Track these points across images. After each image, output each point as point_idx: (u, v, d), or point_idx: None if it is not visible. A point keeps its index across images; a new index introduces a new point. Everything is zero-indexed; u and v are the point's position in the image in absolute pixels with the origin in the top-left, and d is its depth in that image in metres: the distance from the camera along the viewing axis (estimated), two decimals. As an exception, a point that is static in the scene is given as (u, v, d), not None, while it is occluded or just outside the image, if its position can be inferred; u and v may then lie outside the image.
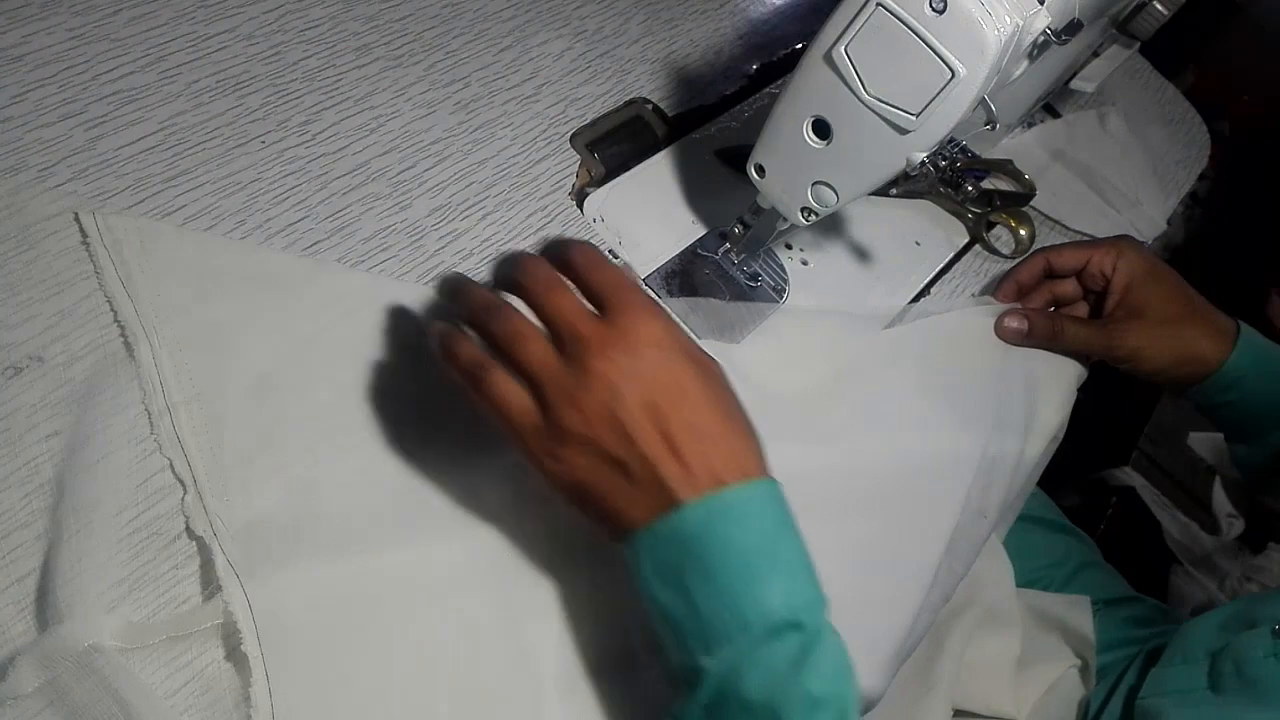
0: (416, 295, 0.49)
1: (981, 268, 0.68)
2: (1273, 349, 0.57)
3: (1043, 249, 0.61)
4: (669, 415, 0.35)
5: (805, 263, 0.61)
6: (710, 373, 0.37)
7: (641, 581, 0.36)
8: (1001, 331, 0.59)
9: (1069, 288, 0.62)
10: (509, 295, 0.38)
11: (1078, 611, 0.62)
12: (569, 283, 0.37)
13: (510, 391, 0.36)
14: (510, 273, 0.37)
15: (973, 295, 0.64)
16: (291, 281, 0.46)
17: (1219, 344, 0.56)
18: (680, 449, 0.35)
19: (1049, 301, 0.62)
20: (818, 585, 0.36)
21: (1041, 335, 0.58)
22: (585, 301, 0.37)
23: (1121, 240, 0.59)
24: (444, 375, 0.38)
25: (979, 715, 0.61)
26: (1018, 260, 0.65)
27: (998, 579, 0.62)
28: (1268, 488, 0.59)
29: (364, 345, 0.46)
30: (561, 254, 0.37)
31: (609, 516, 0.36)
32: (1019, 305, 0.60)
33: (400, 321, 0.47)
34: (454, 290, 0.39)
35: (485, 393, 0.36)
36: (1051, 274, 0.61)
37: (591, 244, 0.38)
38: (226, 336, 0.43)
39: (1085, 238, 0.73)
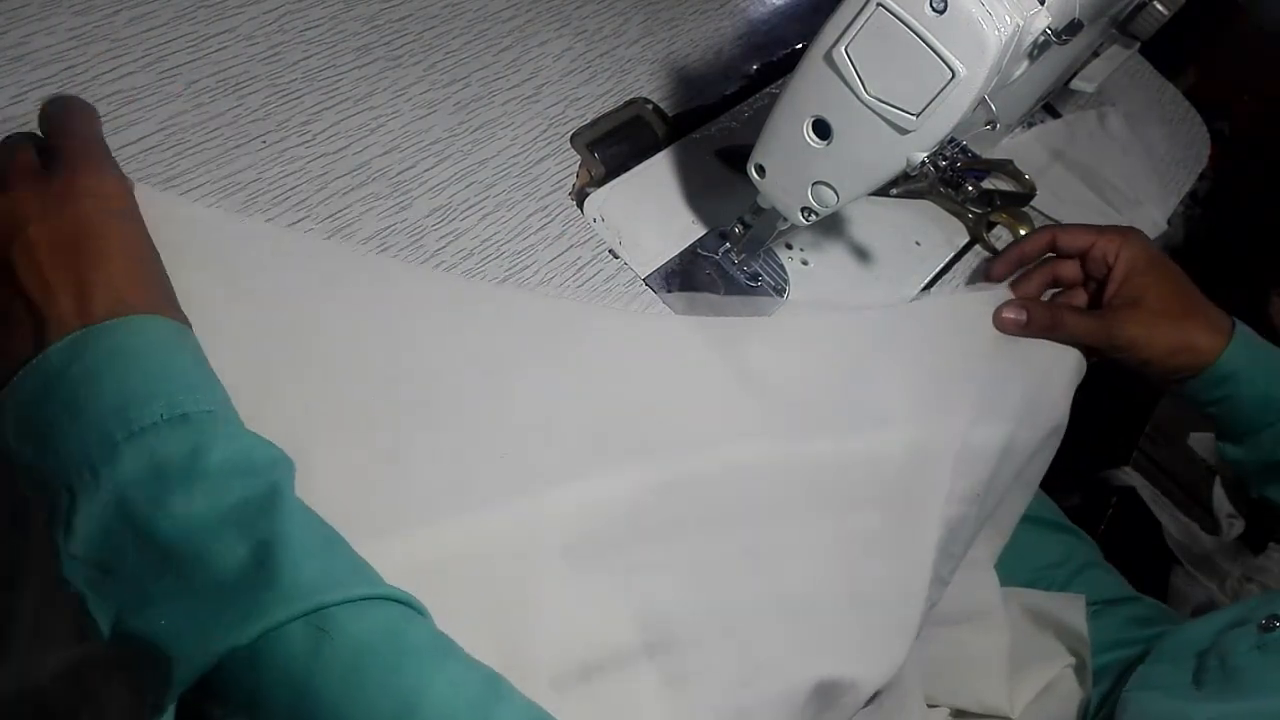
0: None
1: (982, 267, 0.68)
2: (1267, 347, 0.57)
3: (1050, 226, 0.61)
4: (76, 264, 0.33)
5: (805, 263, 0.61)
6: (136, 233, 0.36)
7: (7, 453, 0.31)
8: (1000, 322, 0.58)
9: (1072, 270, 0.61)
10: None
11: (1072, 610, 0.62)
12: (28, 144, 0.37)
13: None
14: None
15: (965, 285, 0.64)
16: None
17: (1215, 338, 0.56)
18: (72, 296, 0.32)
19: (1048, 281, 0.62)
20: (214, 391, 0.33)
21: (1040, 325, 0.58)
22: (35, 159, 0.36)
23: (1129, 230, 0.59)
24: None
25: (974, 715, 0.61)
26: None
27: (981, 580, 0.62)
28: (1263, 486, 0.59)
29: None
30: (51, 111, 0.39)
31: None
32: (1014, 297, 0.60)
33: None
34: None
35: None
36: (1055, 252, 0.61)
37: (81, 105, 0.39)
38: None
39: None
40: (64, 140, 0.37)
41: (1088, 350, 0.60)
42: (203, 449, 0.30)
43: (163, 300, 0.35)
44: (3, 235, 0.33)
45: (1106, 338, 0.57)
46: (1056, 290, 0.63)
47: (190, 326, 0.35)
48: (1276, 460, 0.56)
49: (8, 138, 0.38)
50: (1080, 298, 0.62)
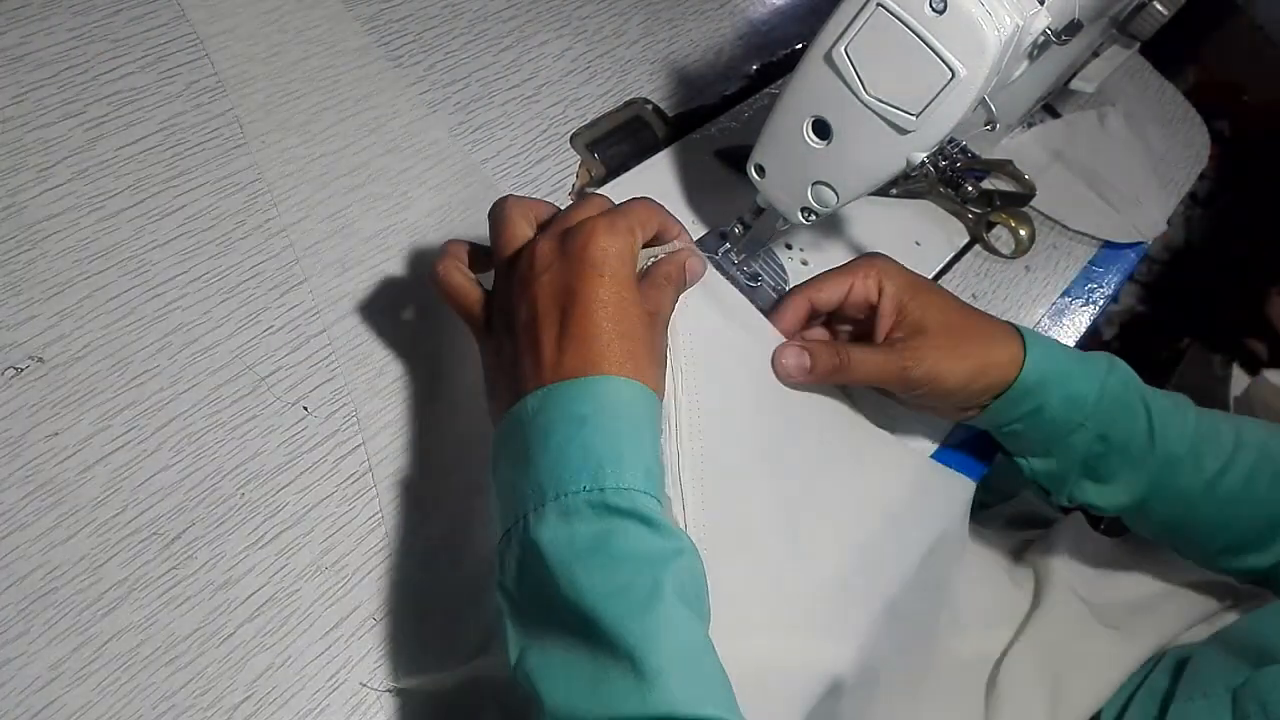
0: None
1: (982, 268, 0.68)
2: (1056, 344, 0.51)
3: (797, 287, 0.52)
4: (561, 316, 0.37)
5: (805, 263, 0.61)
6: (626, 295, 0.39)
7: (493, 466, 0.38)
8: (781, 370, 0.50)
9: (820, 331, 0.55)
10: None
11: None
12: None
13: (461, 281, 0.42)
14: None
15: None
16: None
17: (1009, 349, 0.49)
18: (551, 347, 0.37)
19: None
20: (649, 472, 0.36)
21: (826, 369, 0.49)
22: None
23: (876, 258, 0.52)
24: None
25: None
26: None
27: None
28: (1075, 490, 0.53)
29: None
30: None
31: (491, 407, 0.40)
32: (794, 338, 0.52)
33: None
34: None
35: (439, 279, 0.42)
36: (815, 314, 0.53)
37: (604, 197, 0.43)
38: None
39: (1086, 237, 0.73)
40: (590, 206, 0.41)
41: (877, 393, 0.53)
42: (610, 532, 0.33)
43: (627, 364, 0.37)
44: (527, 270, 0.38)
45: (900, 372, 0.48)
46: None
47: (657, 389, 0.39)
48: (1089, 460, 0.52)
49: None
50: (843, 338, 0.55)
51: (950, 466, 0.56)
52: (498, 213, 0.42)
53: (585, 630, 0.32)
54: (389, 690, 0.40)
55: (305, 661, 0.40)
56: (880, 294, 0.51)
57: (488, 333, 0.41)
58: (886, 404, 0.54)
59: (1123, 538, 0.69)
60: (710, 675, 0.33)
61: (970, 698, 0.59)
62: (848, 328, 0.55)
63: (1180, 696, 0.53)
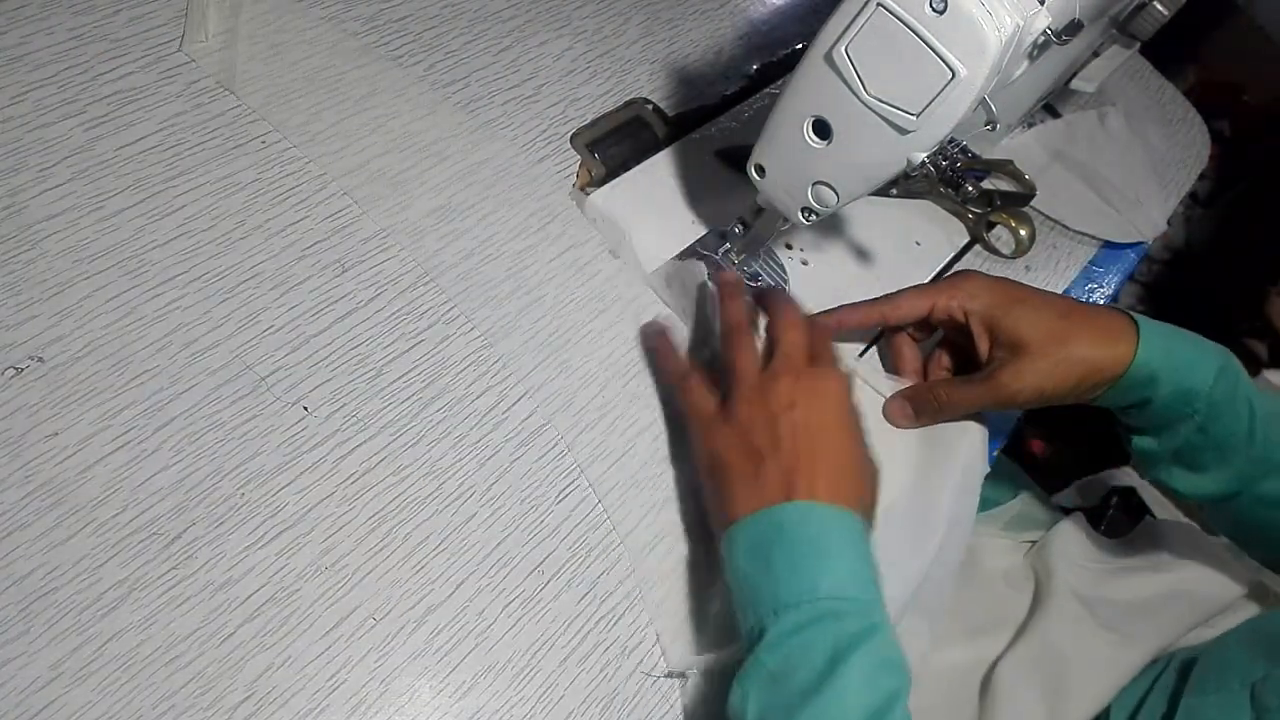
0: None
1: (981, 268, 0.68)
2: (1175, 334, 0.51)
3: (876, 299, 0.54)
4: (812, 443, 0.44)
5: (805, 263, 0.61)
6: (856, 433, 0.46)
7: (732, 560, 0.43)
8: (892, 419, 0.54)
9: (910, 350, 0.56)
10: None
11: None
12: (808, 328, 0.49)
13: (700, 392, 0.48)
14: (773, 298, 0.51)
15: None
16: None
17: (1116, 346, 0.49)
18: (805, 468, 0.43)
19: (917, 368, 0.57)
20: (879, 594, 0.42)
21: (928, 411, 0.53)
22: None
23: (959, 276, 0.53)
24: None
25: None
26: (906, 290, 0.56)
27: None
28: (1166, 474, 0.54)
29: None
30: (813, 316, 0.52)
31: (727, 499, 0.44)
32: (899, 388, 0.55)
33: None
34: (720, 300, 0.51)
35: (683, 391, 0.49)
36: (887, 326, 0.55)
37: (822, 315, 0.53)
38: None
39: (1086, 237, 0.73)
40: (818, 340, 0.48)
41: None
42: (867, 635, 0.39)
43: (857, 498, 0.44)
44: (781, 406, 0.44)
45: (1006, 399, 0.50)
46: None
47: (871, 524, 0.45)
48: (1186, 449, 0.52)
49: (785, 305, 0.50)
50: (944, 358, 0.56)
51: None
52: (736, 322, 0.49)
53: (832, 704, 0.37)
54: (667, 675, 0.45)
55: (305, 662, 0.40)
56: (967, 316, 0.52)
57: (713, 432, 0.46)
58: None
59: (1122, 539, 0.69)
60: None
61: (963, 701, 0.59)
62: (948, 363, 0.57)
63: (1191, 692, 0.53)
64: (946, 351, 0.56)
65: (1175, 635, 0.61)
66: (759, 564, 0.42)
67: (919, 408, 0.53)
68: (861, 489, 0.45)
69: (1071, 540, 0.66)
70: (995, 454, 0.57)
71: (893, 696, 0.38)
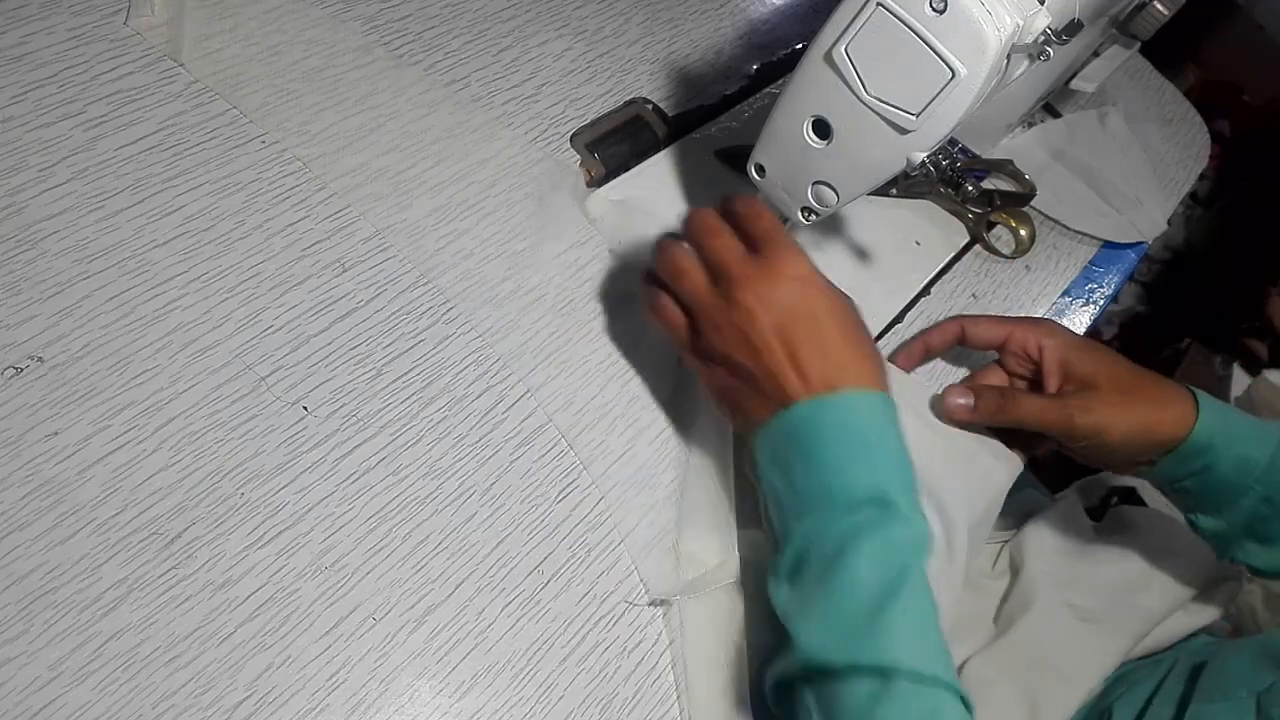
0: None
1: (982, 268, 0.68)
2: (1230, 409, 0.53)
3: (957, 317, 0.56)
4: (796, 336, 0.42)
5: (805, 263, 0.61)
6: (838, 303, 0.44)
7: (759, 470, 0.43)
8: (946, 409, 0.54)
9: (997, 378, 0.57)
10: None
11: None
12: (728, 228, 0.45)
13: (674, 314, 0.46)
14: (686, 222, 0.46)
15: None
16: None
17: (1179, 411, 0.51)
18: (801, 363, 0.42)
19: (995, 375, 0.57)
20: (908, 475, 0.42)
21: (990, 408, 0.53)
22: (740, 244, 0.44)
23: (1042, 320, 0.55)
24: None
25: None
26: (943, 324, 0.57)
27: None
28: (1242, 551, 0.54)
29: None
30: (725, 205, 0.46)
31: (742, 417, 0.45)
32: (965, 383, 0.56)
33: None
34: (656, 246, 0.48)
35: (658, 314, 0.47)
36: (965, 343, 0.56)
37: (754, 196, 0.46)
38: None
39: (1086, 237, 0.73)
40: (753, 225, 0.44)
41: (1033, 441, 0.56)
42: (880, 524, 0.40)
43: (865, 367, 0.43)
44: (743, 320, 0.43)
45: (1066, 423, 0.51)
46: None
47: (888, 390, 0.44)
48: (1254, 522, 0.52)
49: (697, 217, 0.46)
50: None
51: None
52: (671, 264, 0.46)
53: (842, 598, 0.39)
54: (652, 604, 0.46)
55: (305, 661, 0.40)
56: (1041, 351, 0.53)
57: (702, 358, 0.45)
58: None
59: (1095, 526, 0.69)
60: (937, 645, 0.39)
61: None
62: (1022, 383, 0.57)
63: (1199, 698, 0.53)
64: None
65: (1153, 621, 0.61)
66: (780, 475, 0.42)
67: (982, 400, 0.53)
68: (855, 358, 0.43)
69: (1048, 531, 0.66)
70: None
71: (904, 570, 0.39)
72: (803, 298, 0.43)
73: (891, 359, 0.58)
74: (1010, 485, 0.55)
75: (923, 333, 0.57)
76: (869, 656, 0.37)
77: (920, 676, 0.37)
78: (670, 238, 0.47)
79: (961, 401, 0.53)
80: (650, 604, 0.46)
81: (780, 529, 0.42)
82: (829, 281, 0.44)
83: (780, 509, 0.42)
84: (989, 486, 0.54)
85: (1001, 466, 0.54)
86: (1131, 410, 0.51)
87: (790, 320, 0.42)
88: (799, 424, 0.42)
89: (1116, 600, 0.62)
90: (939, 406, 0.54)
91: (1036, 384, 0.55)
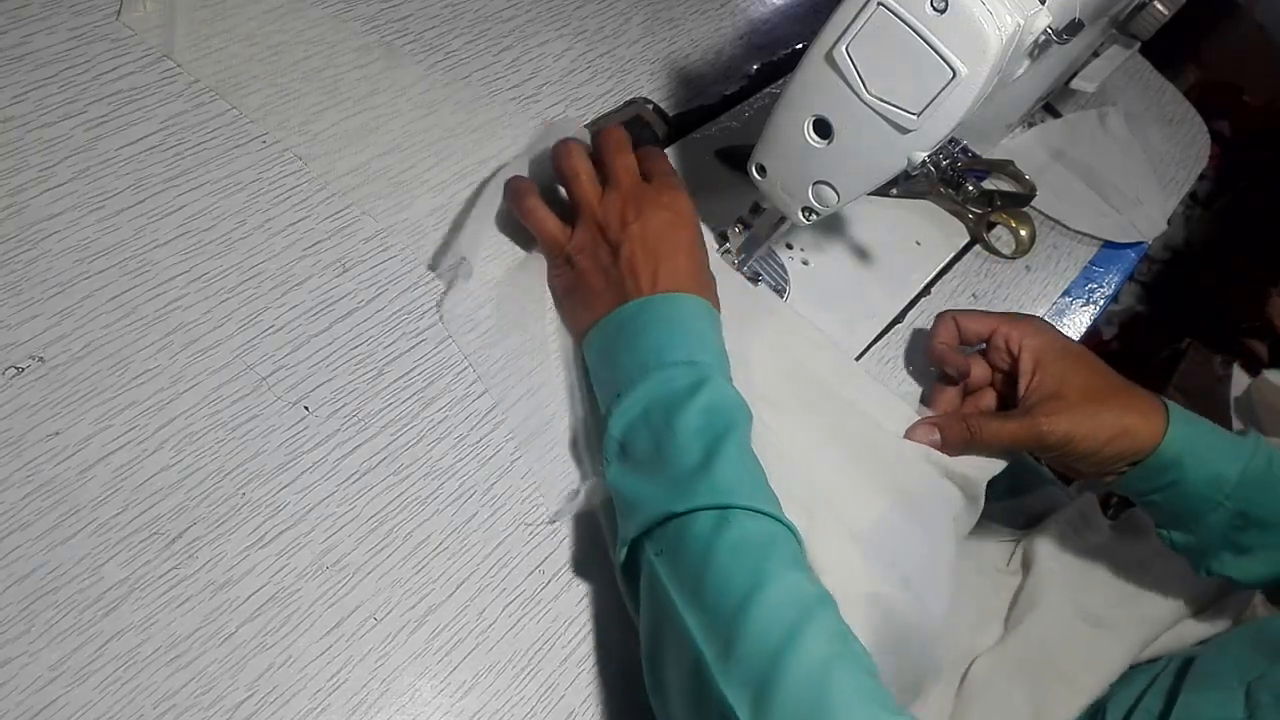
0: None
1: (982, 268, 0.68)
2: (1202, 422, 0.52)
3: (949, 311, 0.57)
4: (656, 251, 0.47)
5: (805, 263, 0.61)
6: (697, 244, 0.50)
7: (590, 363, 0.48)
8: (915, 440, 0.54)
9: (979, 369, 0.57)
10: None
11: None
12: (632, 152, 0.51)
13: (545, 215, 0.51)
14: (597, 134, 0.52)
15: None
16: None
17: (1150, 421, 0.50)
18: (652, 271, 0.47)
19: (957, 393, 0.58)
20: (723, 360, 0.46)
21: (957, 440, 0.53)
22: (638, 167, 0.50)
23: (1030, 317, 0.55)
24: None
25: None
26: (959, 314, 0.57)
27: None
28: (1215, 564, 0.54)
29: None
30: (634, 138, 0.52)
31: (583, 311, 0.49)
32: (930, 415, 0.56)
33: None
34: (554, 149, 0.52)
35: (527, 213, 0.51)
36: (961, 339, 0.56)
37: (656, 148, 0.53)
38: None
39: (1086, 237, 0.73)
40: (652, 164, 0.51)
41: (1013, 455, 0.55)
42: (697, 387, 0.43)
43: (702, 288, 0.49)
44: (617, 223, 0.48)
45: (1035, 438, 0.51)
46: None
47: (718, 309, 0.49)
48: (1226, 534, 0.52)
49: (612, 133, 0.52)
50: (989, 398, 0.57)
51: None
52: (571, 165, 0.50)
53: (675, 453, 0.42)
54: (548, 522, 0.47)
55: (306, 661, 0.40)
56: (1021, 349, 0.53)
57: (566, 261, 0.50)
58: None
59: (1115, 524, 0.69)
60: (763, 486, 0.42)
61: (940, 696, 0.59)
62: (1001, 376, 0.57)
63: (1189, 689, 0.53)
64: (985, 399, 0.57)
65: (1161, 628, 0.61)
66: (606, 360, 0.47)
67: (948, 436, 0.53)
68: (695, 281, 0.48)
69: (1061, 528, 0.66)
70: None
71: (730, 426, 0.42)
72: (670, 225, 0.48)
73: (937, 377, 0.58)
74: (976, 507, 0.55)
75: (929, 339, 0.56)
76: (705, 498, 0.40)
77: (756, 512, 0.40)
78: (572, 142, 0.51)
79: (925, 438, 0.54)
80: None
81: (605, 412, 0.45)
82: (699, 229, 0.50)
83: (605, 393, 0.46)
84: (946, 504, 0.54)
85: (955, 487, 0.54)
86: (1099, 420, 0.50)
87: (655, 238, 0.47)
88: (629, 315, 0.46)
89: (1126, 606, 0.62)
90: (907, 437, 0.54)
91: (1014, 378, 0.55)
